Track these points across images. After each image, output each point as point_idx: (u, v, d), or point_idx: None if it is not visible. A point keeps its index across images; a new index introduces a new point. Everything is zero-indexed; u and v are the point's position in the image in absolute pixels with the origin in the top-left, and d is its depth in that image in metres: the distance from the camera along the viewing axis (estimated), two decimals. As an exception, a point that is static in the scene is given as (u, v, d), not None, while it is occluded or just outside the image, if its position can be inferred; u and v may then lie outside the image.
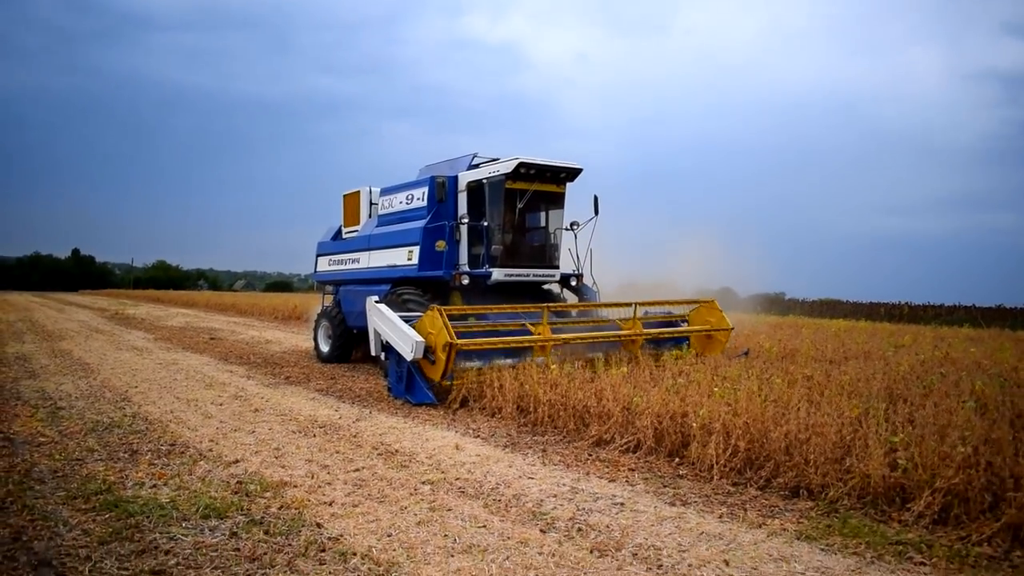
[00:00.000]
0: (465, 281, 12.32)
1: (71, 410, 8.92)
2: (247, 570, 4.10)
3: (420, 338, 9.40)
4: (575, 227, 13.49)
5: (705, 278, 20.61)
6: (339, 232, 16.53)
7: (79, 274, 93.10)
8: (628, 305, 11.82)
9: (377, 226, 14.72)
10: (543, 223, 13.50)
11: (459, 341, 9.26)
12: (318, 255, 17.04)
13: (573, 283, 13.68)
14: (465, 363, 9.90)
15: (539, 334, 10.40)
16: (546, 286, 13.99)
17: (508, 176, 12.22)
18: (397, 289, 12.85)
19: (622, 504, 5.53)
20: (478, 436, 7.89)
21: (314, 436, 7.76)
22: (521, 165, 12.14)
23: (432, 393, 9.57)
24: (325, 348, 15.26)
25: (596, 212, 13.32)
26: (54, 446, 7.04)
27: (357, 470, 6.35)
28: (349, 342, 14.98)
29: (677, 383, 8.00)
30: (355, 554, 4.35)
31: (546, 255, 13.40)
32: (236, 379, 12.10)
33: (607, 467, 6.64)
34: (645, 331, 11.62)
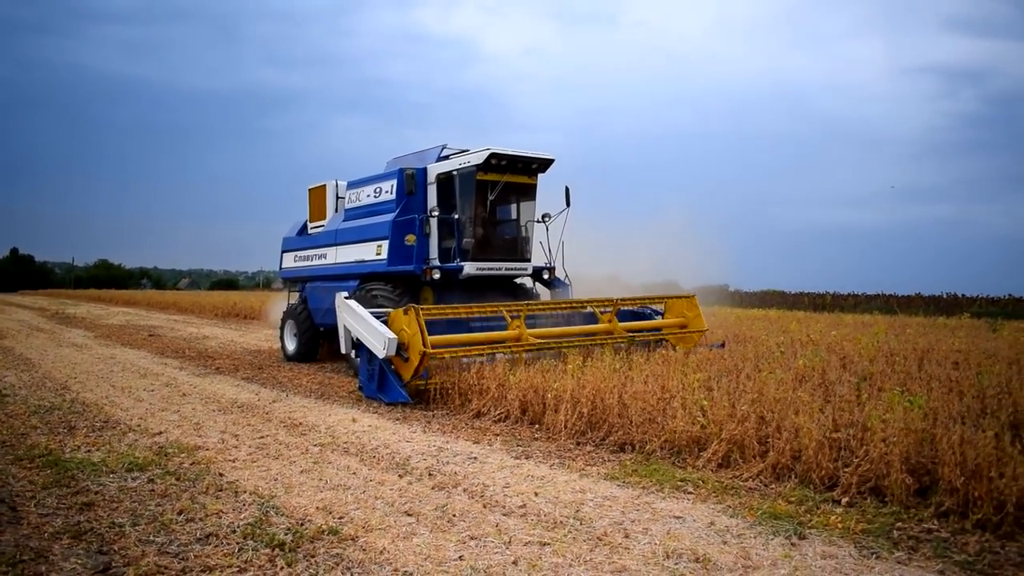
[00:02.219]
0: (436, 276, 12.16)
1: (15, 397, 9.94)
2: (158, 503, 5.30)
3: (393, 335, 9.23)
4: (547, 219, 13.33)
5: (650, 271, 20.89)
6: (305, 227, 16.21)
7: (17, 273, 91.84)
8: (609, 303, 11.73)
9: (344, 220, 14.42)
10: (514, 215, 13.36)
11: (433, 350, 9.19)
12: (283, 251, 16.69)
13: (546, 276, 13.54)
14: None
15: (514, 329, 10.22)
16: (518, 280, 13.83)
17: (479, 167, 12.00)
18: (366, 285, 12.67)
19: (475, 458, 6.82)
20: (376, 413, 9.13)
21: (231, 414, 8.94)
22: (492, 156, 11.92)
23: (406, 392, 9.40)
24: (291, 347, 15.03)
25: (568, 203, 13.15)
26: (1, 424, 8.11)
27: (262, 437, 7.58)
28: (315, 340, 14.73)
29: (583, 366, 8.88)
30: (245, 491, 5.60)
31: (518, 248, 13.22)
32: (169, 370, 13.16)
33: (477, 433, 7.93)
34: (620, 326, 11.62)
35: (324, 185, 15.49)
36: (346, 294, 10.77)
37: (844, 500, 5.57)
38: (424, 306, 10.10)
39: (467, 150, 12.77)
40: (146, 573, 4.00)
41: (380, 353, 9.29)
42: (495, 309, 10.73)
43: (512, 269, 13.12)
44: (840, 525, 4.97)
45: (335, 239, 14.40)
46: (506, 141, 11.40)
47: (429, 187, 12.89)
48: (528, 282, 13.95)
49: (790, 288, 46.37)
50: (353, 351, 10.39)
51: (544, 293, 13.82)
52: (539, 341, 10.45)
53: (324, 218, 15.38)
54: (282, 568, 4.10)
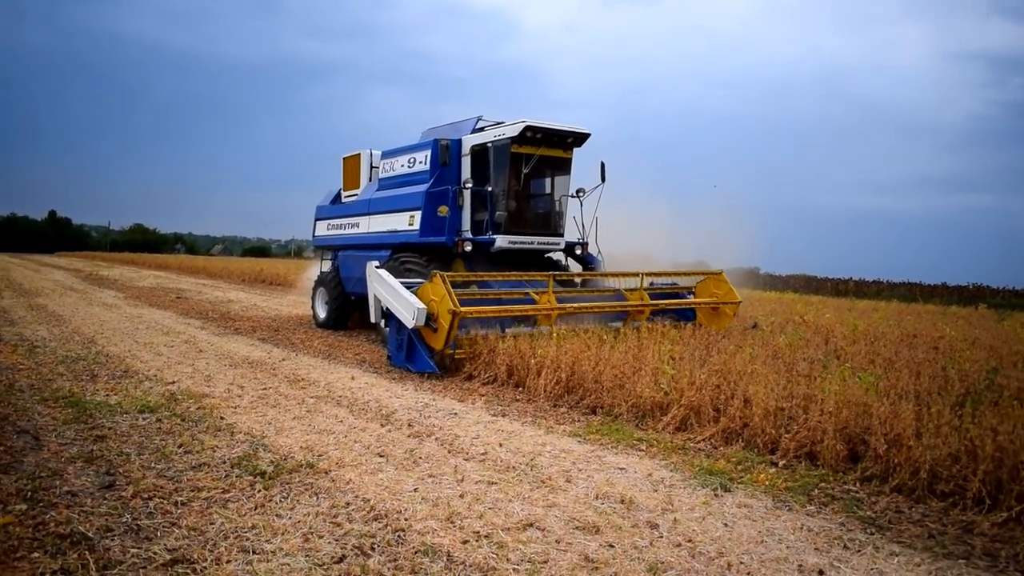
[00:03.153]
0: (468, 248, 12.03)
1: (45, 348, 10.73)
2: (162, 438, 6.00)
3: (422, 305, 9.22)
4: (581, 194, 13.15)
5: (681, 251, 20.95)
6: (338, 196, 16.15)
7: (55, 236, 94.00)
8: (635, 275, 11.76)
9: (378, 190, 14.34)
10: (548, 189, 13.22)
11: (463, 309, 9.13)
12: (316, 219, 16.65)
13: (578, 251, 13.39)
14: (469, 331, 9.85)
15: (545, 303, 10.27)
16: (550, 254, 13.69)
17: (514, 140, 11.86)
18: (398, 255, 12.52)
19: (456, 414, 7.45)
20: (375, 372, 9.81)
21: (241, 368, 9.66)
22: (528, 128, 11.77)
23: (434, 362, 9.45)
24: (322, 314, 15.13)
25: (603, 179, 12.97)
26: (31, 371, 8.88)
27: (264, 389, 8.27)
28: (346, 308, 14.80)
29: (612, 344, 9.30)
30: (240, 432, 6.29)
31: (551, 222, 13.11)
32: (191, 329, 13.93)
33: (464, 393, 8.56)
34: (652, 302, 11.61)
35: (359, 154, 15.42)
36: (377, 263, 10.76)
37: (781, 463, 6.12)
38: (464, 280, 10.30)
39: (502, 122, 12.62)
40: (143, 489, 4.68)
41: (409, 323, 9.31)
42: (528, 276, 10.94)
43: (544, 243, 13.01)
44: (766, 482, 5.53)
45: (368, 208, 14.36)
46: (542, 116, 11.51)
47: (463, 159, 12.78)
48: (561, 257, 13.83)
49: (821, 273, 46.48)
50: (383, 320, 10.40)
51: (576, 268, 13.67)
52: (567, 307, 10.51)
53: (358, 187, 15.32)
54: (259, 491, 4.77)
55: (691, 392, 7.21)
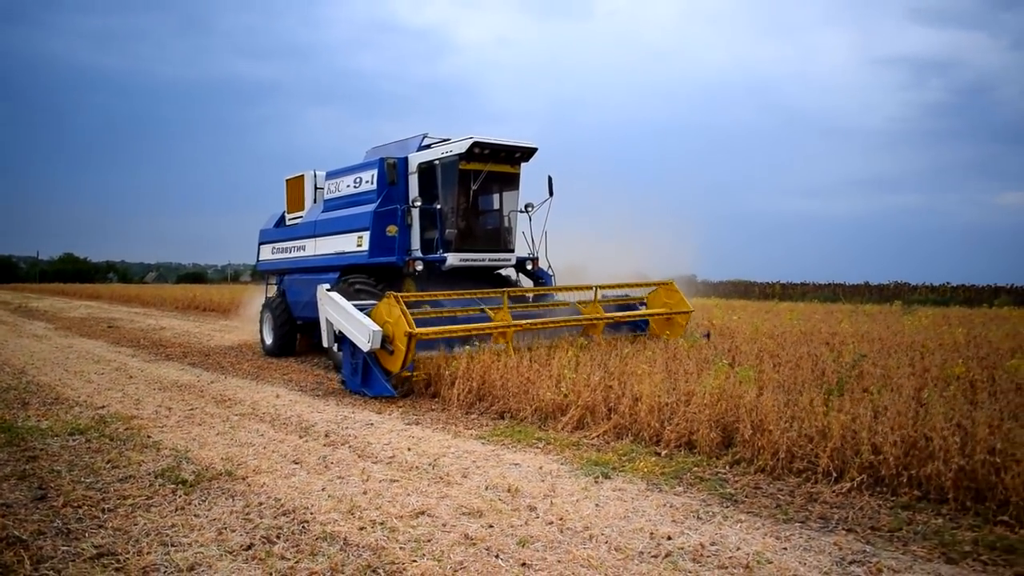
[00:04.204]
0: (419, 267, 11.96)
1: (-25, 381, 10.98)
2: (91, 456, 6.46)
3: (377, 327, 9.13)
4: (530, 209, 13.14)
5: (619, 261, 20.56)
6: (282, 218, 15.93)
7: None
8: (588, 288, 11.83)
9: (323, 211, 14.16)
10: (497, 205, 13.14)
11: (419, 330, 9.13)
12: (260, 243, 16.42)
13: (529, 267, 13.37)
14: (425, 352, 9.81)
15: (499, 320, 10.31)
16: (501, 271, 13.67)
17: (462, 156, 11.81)
18: (347, 277, 12.40)
19: (372, 424, 8.01)
20: (299, 391, 10.30)
21: (170, 391, 10.07)
22: (476, 145, 11.74)
23: (391, 385, 9.43)
24: (269, 340, 14.84)
25: (551, 193, 12.99)
26: (-39, 402, 9.18)
27: (191, 409, 8.73)
28: (293, 333, 14.61)
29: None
30: (165, 447, 6.78)
31: (501, 239, 13.05)
32: (122, 357, 14.21)
33: (382, 405, 9.11)
34: (606, 315, 11.74)
35: (302, 175, 15.24)
36: (328, 286, 10.59)
37: (664, 452, 6.81)
38: (415, 299, 10.21)
39: (448, 139, 12.61)
40: (73, 500, 5.17)
41: (364, 346, 9.19)
42: (483, 293, 11.06)
43: (496, 260, 12.95)
44: (645, 470, 6.20)
45: (314, 230, 14.16)
46: (481, 132, 12.03)
47: (410, 177, 12.69)
48: (512, 273, 13.82)
49: (754, 277, 47.74)
50: (335, 345, 10.27)
51: (527, 284, 13.68)
52: (523, 323, 10.54)
53: (302, 209, 15.12)
54: (180, 497, 5.29)
55: (587, 393, 7.88)
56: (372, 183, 12.80)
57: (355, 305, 9.76)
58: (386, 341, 9.16)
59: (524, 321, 10.57)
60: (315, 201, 14.94)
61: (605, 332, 11.53)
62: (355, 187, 13.29)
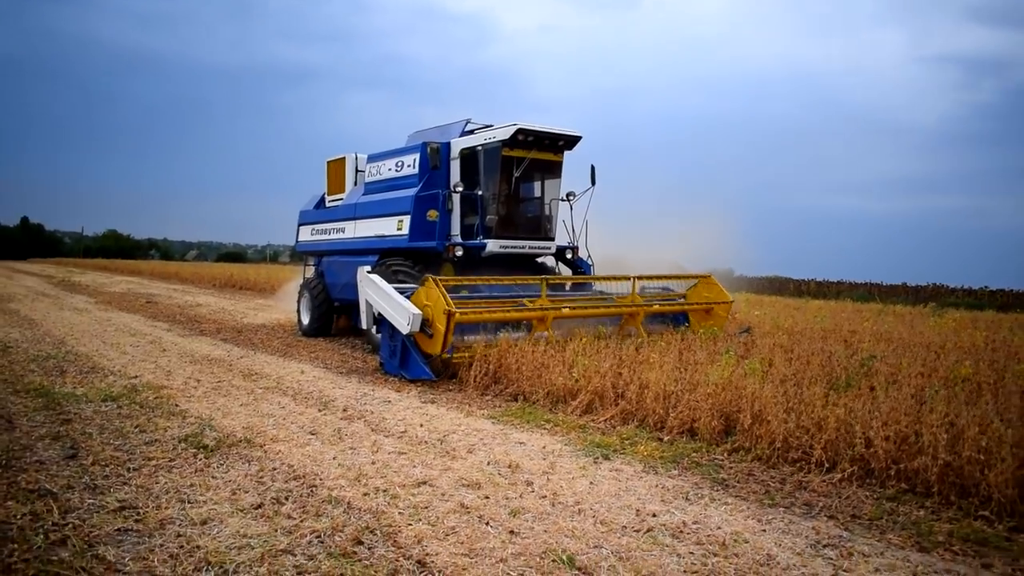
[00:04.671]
0: (459, 252, 11.95)
1: (17, 349, 11.50)
2: (121, 421, 6.86)
3: (417, 310, 9.16)
4: (571, 198, 13.10)
5: (657, 254, 20.29)
6: (322, 200, 16.01)
7: (28, 242, 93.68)
8: (627, 279, 11.84)
9: (364, 194, 14.19)
10: (538, 193, 13.15)
11: (458, 311, 9.18)
12: (300, 224, 16.55)
13: (568, 256, 13.35)
14: (466, 337, 9.87)
15: (539, 307, 10.32)
16: (540, 259, 13.65)
17: (505, 143, 11.79)
18: (386, 260, 12.38)
19: (389, 402, 8.34)
20: (324, 367, 10.68)
21: (200, 364, 10.50)
22: (519, 132, 11.70)
23: (429, 368, 9.43)
24: (306, 320, 14.97)
25: (593, 182, 12.91)
26: (4, 368, 9.67)
27: (219, 381, 9.13)
28: (330, 315, 14.73)
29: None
30: (191, 415, 7.16)
31: (541, 226, 13.02)
32: (157, 331, 14.72)
33: (401, 384, 9.45)
34: (645, 305, 11.63)
35: (343, 158, 15.26)
36: (368, 268, 10.64)
37: (666, 438, 7.06)
38: (456, 284, 10.24)
39: (491, 125, 12.62)
40: (101, 459, 5.56)
41: (404, 329, 9.21)
42: (522, 280, 11.09)
43: (535, 248, 12.89)
44: (644, 453, 6.45)
45: (354, 213, 14.16)
46: (521, 119, 12.01)
47: (452, 162, 12.68)
48: (551, 261, 13.76)
49: (793, 274, 47.23)
50: (374, 327, 10.29)
51: (566, 273, 13.68)
52: (562, 310, 10.59)
53: (343, 191, 15.16)
54: (200, 460, 5.65)
55: (597, 379, 8.14)
56: (414, 167, 12.79)
57: (395, 288, 9.80)
58: (425, 324, 9.18)
59: (564, 307, 10.60)
60: (356, 184, 15.00)
61: (645, 325, 11.40)
62: (397, 171, 13.31)
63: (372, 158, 14.27)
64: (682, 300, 12.65)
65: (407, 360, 9.62)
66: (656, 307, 11.94)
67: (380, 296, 9.79)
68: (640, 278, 11.97)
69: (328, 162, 15.84)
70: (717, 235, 22.88)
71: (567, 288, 12.73)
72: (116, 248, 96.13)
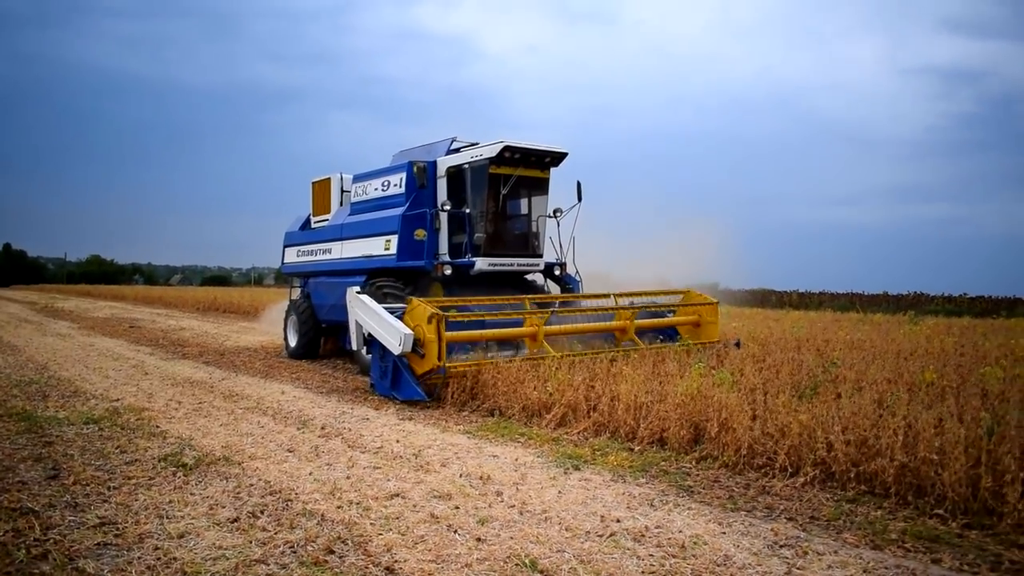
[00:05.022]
0: (448, 271, 11.88)
1: (0, 374, 11.58)
2: (102, 442, 6.99)
3: (409, 331, 9.13)
4: (558, 214, 13.06)
5: (642, 268, 20.59)
6: (307, 221, 15.93)
7: (10, 269, 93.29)
8: (607, 297, 12.00)
9: (350, 214, 14.14)
10: (525, 210, 13.11)
11: (449, 334, 9.26)
12: (285, 246, 16.46)
13: (557, 272, 13.28)
14: (453, 355, 9.80)
15: (532, 326, 10.28)
16: (529, 276, 13.62)
17: (492, 161, 11.78)
18: (374, 280, 12.33)
19: (367, 419, 8.49)
20: (305, 387, 10.82)
21: (182, 387, 10.63)
22: (506, 149, 11.69)
23: (422, 389, 9.33)
24: (293, 342, 14.93)
25: (579, 198, 12.91)
26: (-14, 394, 9.78)
27: (200, 403, 9.26)
28: (317, 336, 14.66)
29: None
30: (171, 436, 7.31)
31: (529, 243, 13.01)
32: (140, 355, 14.82)
33: (380, 402, 9.60)
34: (637, 321, 11.50)
35: (329, 178, 15.20)
36: (358, 289, 10.62)
37: (637, 448, 7.24)
38: (444, 304, 9.89)
39: (477, 143, 12.59)
40: (82, 479, 5.70)
41: (396, 349, 9.16)
42: (517, 311, 10.75)
43: (524, 265, 12.91)
44: (614, 463, 6.62)
45: (340, 233, 14.15)
46: (505, 137, 12.01)
47: (439, 181, 12.61)
48: (539, 278, 13.73)
49: (779, 286, 47.38)
50: (364, 348, 10.27)
51: (554, 290, 13.62)
52: (554, 329, 10.55)
53: (328, 212, 15.08)
54: (180, 478, 5.80)
55: (570, 393, 8.32)
56: (400, 186, 12.78)
57: (385, 308, 9.76)
58: (417, 344, 9.15)
59: (555, 328, 10.61)
60: (341, 204, 14.95)
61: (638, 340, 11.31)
62: (383, 190, 13.28)
63: (358, 178, 14.25)
64: (671, 315, 12.69)
65: (399, 381, 9.57)
66: (648, 322, 12.05)
67: (371, 317, 9.75)
68: (627, 295, 12.16)
69: (313, 183, 15.79)
70: (702, 249, 23.03)
71: (555, 305, 12.40)
72: (100, 273, 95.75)
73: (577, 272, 13.38)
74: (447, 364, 9.27)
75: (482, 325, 10.36)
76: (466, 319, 9.94)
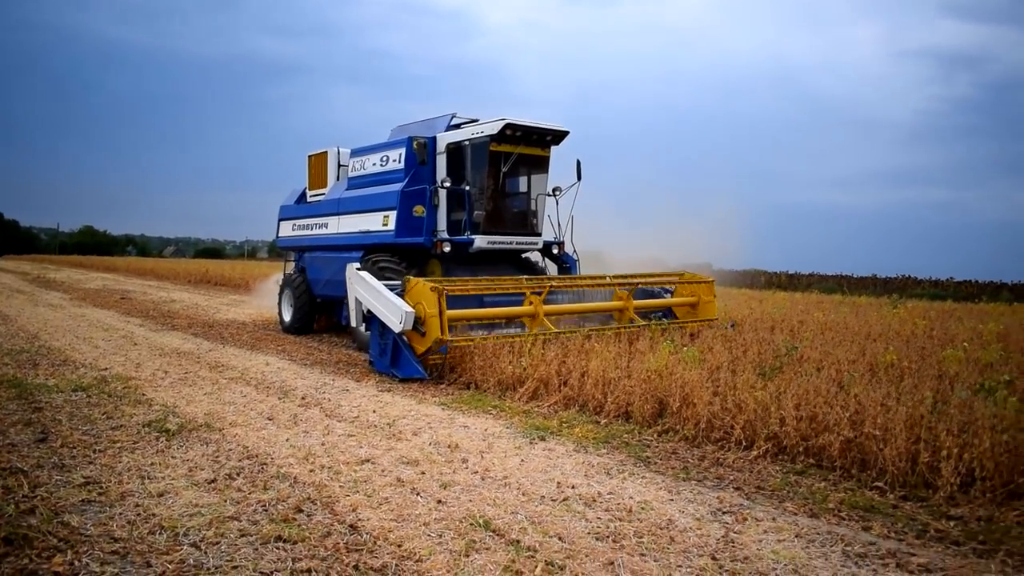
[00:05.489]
0: (447, 248, 11.87)
1: (-8, 343, 11.89)
2: (89, 408, 7.31)
3: (410, 308, 9.09)
4: (557, 193, 13.05)
5: (637, 247, 20.79)
6: (303, 195, 15.84)
7: (2, 239, 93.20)
8: (617, 278, 11.91)
9: (347, 189, 14.07)
10: (525, 188, 13.09)
11: (451, 312, 9.30)
12: (280, 219, 16.32)
13: (555, 251, 13.32)
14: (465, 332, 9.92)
15: (531, 305, 10.34)
16: (527, 254, 13.61)
17: (493, 138, 11.73)
18: (371, 256, 12.23)
19: (347, 391, 8.81)
20: (289, 359, 11.14)
21: (169, 357, 10.93)
22: (508, 126, 11.66)
23: (422, 367, 9.40)
24: (288, 317, 14.89)
25: (579, 177, 12.85)
26: (-22, 361, 10.08)
27: (186, 373, 9.57)
28: (312, 311, 14.63)
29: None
30: (156, 403, 7.62)
31: (528, 222, 13.00)
32: (130, 326, 15.10)
33: (361, 374, 9.93)
34: (635, 302, 11.57)
35: (325, 152, 15.07)
36: (358, 265, 10.57)
37: (603, 421, 7.58)
38: (446, 281, 9.87)
39: (476, 120, 12.58)
40: (70, 442, 6.01)
41: (396, 327, 9.15)
42: (517, 286, 10.77)
43: (523, 243, 12.91)
44: (579, 435, 6.96)
45: (337, 208, 14.08)
46: (507, 114, 12.00)
47: (438, 157, 12.54)
48: (536, 256, 13.69)
49: (772, 267, 47.64)
50: (363, 324, 10.27)
51: (552, 268, 13.65)
52: (554, 309, 10.74)
53: (325, 186, 15.00)
54: (161, 442, 6.13)
55: (543, 368, 8.65)
56: (399, 162, 12.73)
57: (385, 285, 9.75)
58: (418, 322, 9.15)
59: (554, 307, 10.75)
60: (338, 179, 14.86)
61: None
62: (381, 166, 13.22)
63: (355, 152, 14.22)
64: (668, 293, 12.84)
65: (398, 358, 9.59)
66: (646, 303, 12.19)
67: (371, 294, 9.76)
68: (625, 277, 12.11)
69: (309, 156, 15.72)
70: (696, 230, 23.18)
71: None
72: (92, 244, 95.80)
73: (575, 251, 13.47)
74: (448, 338, 9.28)
75: (480, 302, 10.48)
76: (465, 292, 9.98)
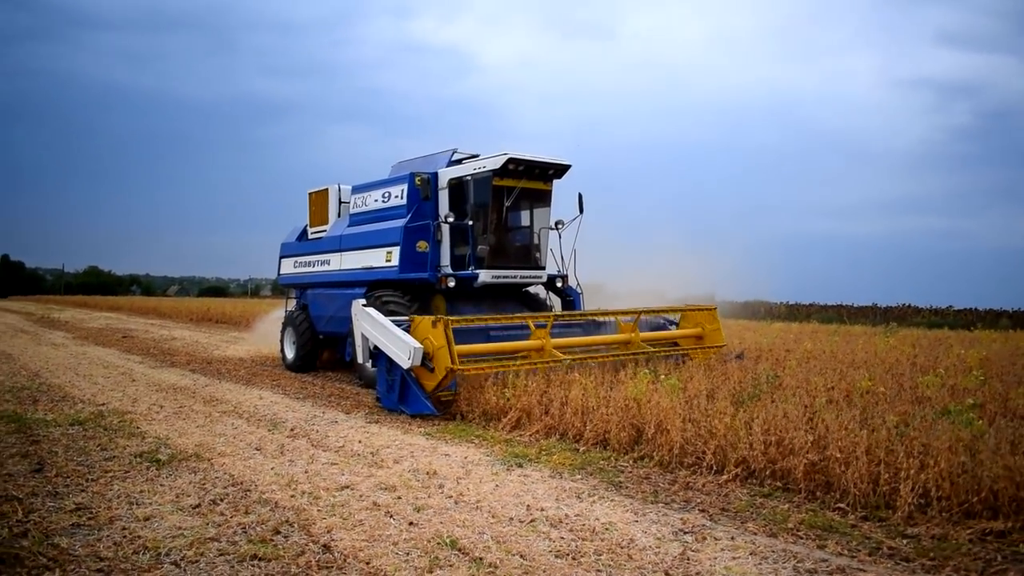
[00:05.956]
0: (451, 283, 11.91)
1: (-6, 381, 12.19)
2: (85, 441, 7.59)
3: (418, 344, 9.10)
4: (560, 226, 13.09)
5: (639, 280, 20.59)
6: (304, 232, 15.88)
7: (8, 280, 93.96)
8: (605, 313, 12.11)
9: (349, 226, 14.06)
10: (528, 222, 13.09)
11: (460, 366, 9.22)
12: (282, 256, 16.36)
13: (559, 284, 13.32)
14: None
15: (536, 340, 10.35)
16: (531, 288, 13.72)
17: (496, 172, 11.78)
18: (375, 292, 12.24)
19: (336, 422, 9.08)
20: (283, 393, 11.41)
21: (166, 392, 11.21)
22: (510, 161, 11.71)
23: (431, 403, 9.35)
24: (290, 355, 14.84)
25: (581, 210, 12.86)
26: (-20, 398, 10.37)
27: (181, 407, 9.85)
28: (315, 348, 14.58)
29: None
30: (149, 436, 7.90)
31: (531, 255, 13.01)
32: (129, 364, 15.40)
33: (351, 406, 10.18)
34: (641, 334, 11.64)
35: (326, 189, 15.14)
36: (364, 301, 10.61)
37: (582, 448, 7.81)
38: (453, 317, 9.85)
39: (477, 155, 12.63)
40: (64, 472, 6.29)
41: (404, 363, 9.14)
42: (522, 319, 10.85)
43: (527, 277, 12.95)
44: (557, 461, 7.19)
45: (339, 245, 14.06)
46: (509, 149, 12.06)
47: (440, 192, 12.60)
48: (540, 290, 13.75)
49: (774, 298, 47.63)
50: (370, 361, 10.26)
51: (556, 302, 13.69)
52: (563, 343, 10.76)
53: (326, 223, 15.04)
54: (152, 471, 6.40)
55: (525, 397, 8.91)
56: (401, 198, 12.72)
57: (393, 321, 9.76)
58: (427, 358, 9.13)
59: (561, 340, 10.80)
60: (339, 215, 14.89)
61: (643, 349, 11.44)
62: (384, 202, 13.21)
63: (357, 189, 14.22)
64: (673, 325, 12.91)
65: (406, 395, 9.58)
66: (652, 335, 12.17)
67: (378, 330, 9.73)
68: (630, 312, 12.07)
69: (310, 193, 15.80)
70: (698, 262, 23.36)
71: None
72: (98, 284, 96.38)
73: (578, 284, 13.49)
74: (458, 367, 9.26)
75: (487, 336, 10.55)
76: (471, 324, 10.10)
